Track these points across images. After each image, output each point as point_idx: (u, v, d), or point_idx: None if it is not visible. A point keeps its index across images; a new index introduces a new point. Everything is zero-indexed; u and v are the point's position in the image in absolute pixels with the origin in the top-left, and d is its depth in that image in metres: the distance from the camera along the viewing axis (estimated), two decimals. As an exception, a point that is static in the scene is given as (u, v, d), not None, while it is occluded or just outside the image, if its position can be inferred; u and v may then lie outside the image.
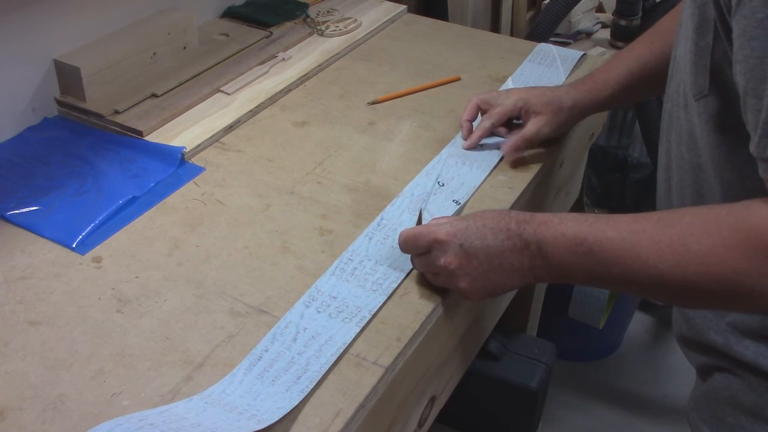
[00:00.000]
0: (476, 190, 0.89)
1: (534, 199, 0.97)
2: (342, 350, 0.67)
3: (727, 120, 0.66)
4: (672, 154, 0.76)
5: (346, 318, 0.70)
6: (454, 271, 0.71)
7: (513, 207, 0.87)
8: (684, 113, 0.72)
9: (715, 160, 0.69)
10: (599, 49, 1.84)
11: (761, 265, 0.58)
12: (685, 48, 0.69)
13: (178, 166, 0.91)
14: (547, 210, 1.07)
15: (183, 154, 0.92)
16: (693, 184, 0.73)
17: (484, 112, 0.96)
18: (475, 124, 0.96)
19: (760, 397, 0.72)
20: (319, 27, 1.24)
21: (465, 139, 0.95)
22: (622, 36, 1.84)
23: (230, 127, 0.99)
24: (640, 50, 0.92)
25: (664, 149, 0.79)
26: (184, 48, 1.11)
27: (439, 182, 0.89)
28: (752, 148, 0.60)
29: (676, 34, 0.75)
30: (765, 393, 0.72)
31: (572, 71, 1.14)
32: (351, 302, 0.72)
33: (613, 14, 1.84)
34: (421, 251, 0.73)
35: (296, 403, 0.62)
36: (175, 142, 0.95)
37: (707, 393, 0.78)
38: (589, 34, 1.95)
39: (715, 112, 0.67)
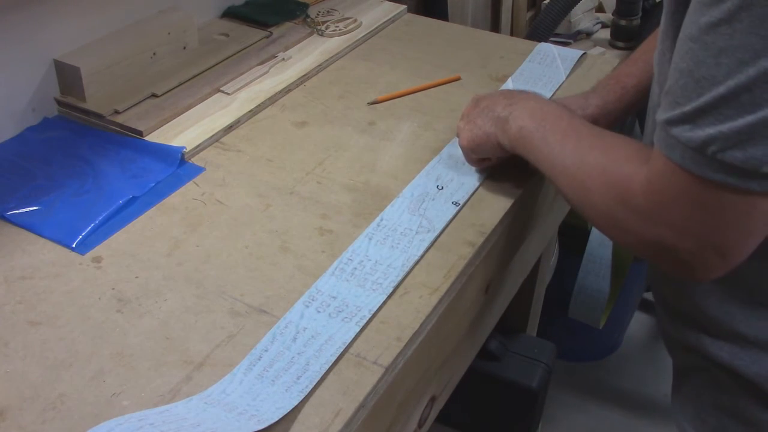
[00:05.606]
0: (476, 189, 0.89)
1: (535, 198, 0.97)
2: (342, 350, 0.67)
3: None
4: None
5: (346, 318, 0.70)
6: (464, 115, 0.88)
7: (513, 207, 0.87)
8: None
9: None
10: (599, 49, 1.84)
11: (620, 210, 0.63)
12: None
13: (178, 166, 0.91)
14: (548, 211, 1.07)
15: (183, 154, 0.92)
16: None
17: None
18: None
19: (740, 399, 0.71)
20: (319, 27, 1.24)
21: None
22: (622, 36, 1.84)
23: (230, 127, 0.99)
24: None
25: None
26: (184, 48, 1.11)
27: (438, 186, 0.89)
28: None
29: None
30: (744, 395, 0.71)
31: (572, 71, 1.14)
32: (351, 302, 0.72)
33: (613, 14, 1.84)
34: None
35: (296, 403, 0.62)
36: (175, 142, 0.95)
37: (689, 393, 0.78)
38: (589, 34, 1.95)
39: None
